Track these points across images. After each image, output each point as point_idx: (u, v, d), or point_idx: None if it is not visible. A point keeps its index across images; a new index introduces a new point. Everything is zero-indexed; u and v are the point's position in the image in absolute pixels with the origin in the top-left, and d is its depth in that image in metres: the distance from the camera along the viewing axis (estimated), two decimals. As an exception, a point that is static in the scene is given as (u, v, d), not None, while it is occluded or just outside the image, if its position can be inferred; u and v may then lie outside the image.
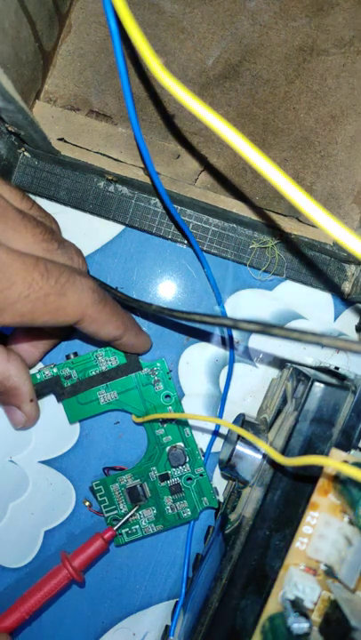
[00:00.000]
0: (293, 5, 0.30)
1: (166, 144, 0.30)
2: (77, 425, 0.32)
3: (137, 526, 0.30)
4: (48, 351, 0.31)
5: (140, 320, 0.32)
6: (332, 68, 0.30)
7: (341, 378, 0.26)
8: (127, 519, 0.30)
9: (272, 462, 0.25)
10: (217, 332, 0.32)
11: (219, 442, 0.32)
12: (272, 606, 0.23)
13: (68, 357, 0.30)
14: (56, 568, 0.29)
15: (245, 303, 0.32)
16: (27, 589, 0.29)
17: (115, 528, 0.30)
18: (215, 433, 0.32)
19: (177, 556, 0.32)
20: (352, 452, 0.24)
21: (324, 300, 0.32)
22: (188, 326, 0.32)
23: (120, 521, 0.30)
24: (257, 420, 0.29)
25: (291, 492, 0.24)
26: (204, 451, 0.32)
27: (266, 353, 0.32)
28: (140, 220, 0.31)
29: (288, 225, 0.30)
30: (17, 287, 0.21)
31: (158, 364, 0.30)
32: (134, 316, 0.31)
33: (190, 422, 0.31)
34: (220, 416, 0.32)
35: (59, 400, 0.30)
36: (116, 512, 0.30)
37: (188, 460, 0.30)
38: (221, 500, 0.31)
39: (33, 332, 0.29)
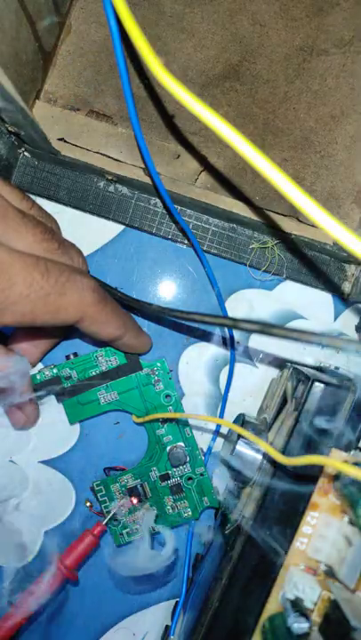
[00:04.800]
0: (293, 5, 0.30)
1: (166, 144, 0.30)
2: (77, 425, 0.32)
3: (138, 526, 0.30)
4: (48, 351, 0.31)
5: (140, 320, 0.32)
6: (332, 68, 0.30)
7: (341, 378, 0.26)
8: (114, 513, 0.30)
9: (272, 462, 0.25)
10: (217, 332, 0.32)
11: (219, 442, 0.32)
12: (272, 606, 0.23)
13: (67, 358, 0.30)
14: (49, 570, 0.29)
15: (245, 303, 0.32)
16: (25, 590, 0.29)
17: (104, 522, 0.30)
18: (216, 433, 0.32)
19: (177, 556, 0.32)
20: (352, 452, 0.24)
21: (324, 300, 0.32)
22: (188, 326, 0.32)
23: (120, 520, 0.30)
24: (257, 419, 0.29)
25: (291, 492, 0.24)
26: (205, 451, 0.32)
27: (266, 353, 0.32)
28: (140, 220, 0.31)
29: (288, 225, 0.30)
30: (18, 287, 0.21)
31: (159, 364, 0.30)
32: (134, 316, 0.31)
33: (191, 422, 0.31)
34: (221, 416, 0.32)
35: (59, 400, 0.30)
36: (116, 511, 0.30)
37: (188, 459, 0.30)
38: (221, 500, 0.31)
39: (33, 332, 0.29)
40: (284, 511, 0.24)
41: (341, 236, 0.15)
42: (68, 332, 0.31)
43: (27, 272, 0.21)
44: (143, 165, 0.29)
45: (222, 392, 0.32)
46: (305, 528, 0.23)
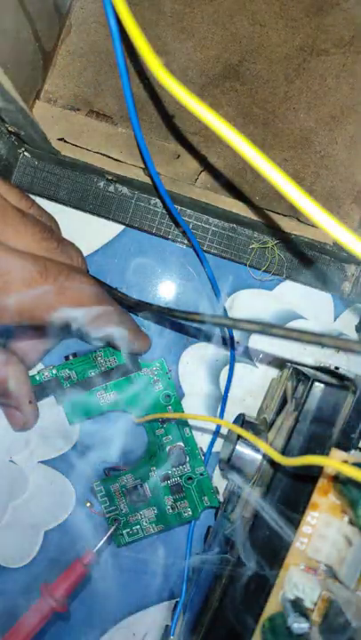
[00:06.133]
0: (293, 5, 0.30)
1: (166, 144, 0.30)
2: (77, 425, 0.32)
3: (138, 526, 0.30)
4: (48, 351, 0.31)
5: (139, 320, 0.32)
6: (332, 68, 0.30)
7: (341, 378, 0.26)
8: (107, 538, 0.29)
9: (272, 462, 0.25)
10: (217, 332, 0.32)
11: (219, 442, 0.32)
12: (272, 606, 0.23)
13: (67, 358, 0.30)
14: (37, 604, 0.28)
15: (245, 303, 0.32)
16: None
17: (94, 550, 0.29)
18: (216, 433, 0.32)
19: (177, 556, 0.32)
20: (352, 451, 0.24)
21: (324, 299, 0.32)
22: (188, 326, 0.32)
23: (120, 520, 0.30)
24: (257, 419, 0.29)
25: (291, 492, 0.24)
26: (205, 450, 0.32)
27: (266, 353, 0.32)
28: (140, 220, 0.31)
29: (288, 225, 0.30)
30: (16, 286, 0.21)
31: (157, 364, 0.30)
32: (134, 315, 0.31)
33: (190, 422, 0.31)
34: (221, 416, 0.32)
35: (58, 401, 0.30)
36: (116, 512, 0.30)
37: (188, 459, 0.30)
38: (221, 500, 0.31)
39: (32, 332, 0.29)
40: (284, 511, 0.24)
41: (341, 235, 0.15)
42: (66, 332, 0.31)
43: (25, 271, 0.21)
44: (143, 165, 0.29)
45: (222, 392, 0.32)
46: (305, 528, 0.23)
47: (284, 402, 0.27)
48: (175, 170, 0.30)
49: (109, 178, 0.30)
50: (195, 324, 0.32)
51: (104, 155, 0.29)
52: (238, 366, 0.32)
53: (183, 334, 0.32)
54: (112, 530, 0.30)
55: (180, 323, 0.32)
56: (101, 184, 0.31)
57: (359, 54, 0.30)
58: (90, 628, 0.32)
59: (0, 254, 0.21)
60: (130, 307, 0.30)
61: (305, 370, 0.26)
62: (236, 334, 0.32)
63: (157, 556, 0.32)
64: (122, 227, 0.32)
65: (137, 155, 0.29)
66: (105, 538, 0.29)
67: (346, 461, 0.22)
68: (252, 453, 0.27)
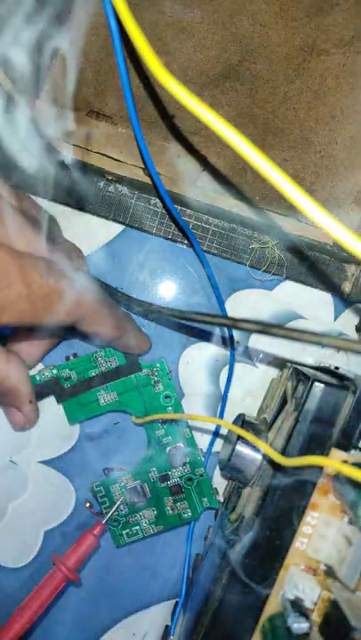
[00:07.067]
0: (293, 5, 0.30)
1: (166, 144, 0.30)
2: (77, 425, 0.32)
3: (137, 527, 0.30)
4: (48, 351, 0.31)
5: (139, 320, 0.32)
6: (332, 68, 0.30)
7: (341, 378, 0.26)
8: (113, 512, 0.30)
9: (272, 462, 0.25)
10: (217, 332, 0.32)
11: (219, 442, 0.32)
12: (272, 606, 0.23)
13: (67, 359, 0.30)
14: (51, 572, 0.29)
15: (245, 303, 0.32)
16: (26, 591, 0.29)
17: (103, 522, 0.30)
18: (215, 433, 0.32)
19: (177, 556, 0.32)
20: (352, 451, 0.24)
21: (324, 300, 0.32)
22: (188, 326, 0.32)
23: (120, 521, 0.30)
24: (257, 419, 0.29)
25: (291, 492, 0.24)
26: (205, 451, 0.32)
27: (266, 353, 0.32)
28: (140, 220, 0.31)
29: (288, 225, 0.30)
30: (16, 287, 0.21)
31: (158, 365, 0.30)
32: (134, 316, 0.31)
33: (190, 423, 0.31)
34: (221, 416, 0.32)
35: (58, 401, 0.30)
36: (116, 513, 0.30)
37: (188, 460, 0.30)
38: (221, 500, 0.31)
39: (32, 333, 0.29)
40: (284, 511, 0.24)
41: (341, 235, 0.15)
42: (67, 332, 0.31)
43: (26, 272, 0.21)
44: (143, 165, 0.29)
45: (222, 392, 0.32)
46: (305, 528, 0.23)
47: (284, 402, 0.27)
48: (175, 170, 0.30)
49: (109, 178, 0.30)
50: (195, 324, 0.32)
51: (104, 155, 0.29)
52: (238, 366, 0.32)
53: (183, 334, 0.32)
54: (118, 503, 0.30)
55: (180, 323, 0.32)
56: (101, 184, 0.31)
57: (359, 54, 0.30)
58: (90, 628, 0.32)
59: (0, 255, 0.21)
60: (130, 307, 0.30)
61: (305, 370, 0.26)
62: (236, 334, 0.32)
63: (157, 557, 0.32)
64: (122, 227, 0.32)
65: (137, 155, 0.29)
66: (113, 509, 0.30)
67: (346, 461, 0.22)
68: (252, 453, 0.27)
